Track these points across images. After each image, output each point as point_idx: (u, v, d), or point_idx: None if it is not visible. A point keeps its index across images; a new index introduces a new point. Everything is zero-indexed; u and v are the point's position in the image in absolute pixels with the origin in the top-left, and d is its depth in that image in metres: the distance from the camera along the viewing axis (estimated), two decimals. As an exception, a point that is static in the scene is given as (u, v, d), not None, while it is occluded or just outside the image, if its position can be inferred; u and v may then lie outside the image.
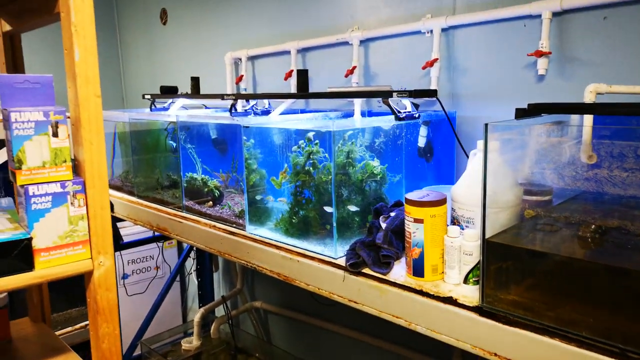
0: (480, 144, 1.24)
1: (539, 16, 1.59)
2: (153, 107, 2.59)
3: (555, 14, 1.58)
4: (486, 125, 1.00)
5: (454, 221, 1.26)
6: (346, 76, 2.18)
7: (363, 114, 1.88)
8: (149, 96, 2.59)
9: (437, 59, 1.86)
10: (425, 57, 1.90)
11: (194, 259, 3.14)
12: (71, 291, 3.31)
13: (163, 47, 3.48)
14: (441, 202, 1.17)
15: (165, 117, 2.06)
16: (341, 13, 2.26)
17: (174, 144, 2.04)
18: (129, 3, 3.74)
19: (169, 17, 3.35)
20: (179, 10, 3.26)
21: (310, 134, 1.49)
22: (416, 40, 1.98)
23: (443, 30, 1.87)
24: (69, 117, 1.01)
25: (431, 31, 1.90)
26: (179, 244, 3.50)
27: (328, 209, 1.44)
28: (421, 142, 1.71)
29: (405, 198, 1.20)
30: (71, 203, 0.95)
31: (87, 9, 0.94)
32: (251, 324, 3.04)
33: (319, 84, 2.37)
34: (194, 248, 3.05)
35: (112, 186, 2.44)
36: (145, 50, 3.68)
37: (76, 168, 1.00)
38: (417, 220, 1.17)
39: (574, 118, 1.39)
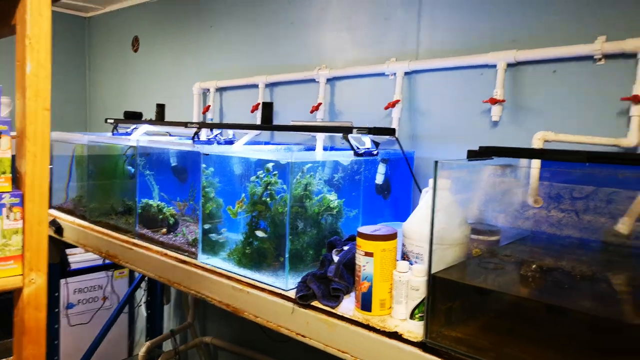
0: (431, 182, 1.26)
1: (495, 66, 1.68)
2: (115, 132, 2.55)
3: (509, 65, 1.66)
4: (436, 162, 1.03)
5: (404, 256, 1.26)
6: (312, 112, 2.22)
7: (326, 149, 1.91)
8: (111, 120, 2.56)
9: (398, 100, 1.91)
10: (388, 98, 1.96)
11: (145, 290, 3.03)
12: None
13: (133, 74, 3.47)
14: (392, 236, 1.18)
15: (124, 142, 2.03)
16: (310, 51, 2.32)
17: (132, 170, 2.01)
18: (101, 28, 3.74)
19: (141, 44, 3.36)
20: (151, 39, 3.28)
21: (269, 165, 1.49)
22: (380, 82, 2.04)
23: (406, 73, 1.94)
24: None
25: (395, 74, 1.96)
26: (131, 274, 3.38)
27: (260, 233, 1.44)
28: (379, 179, 1.73)
29: (357, 231, 1.20)
30: (6, 216, 0.91)
31: (44, 23, 0.93)
32: (201, 361, 2.93)
33: (286, 118, 2.40)
34: (146, 279, 2.95)
35: (64, 210, 2.36)
36: (114, 76, 3.66)
37: (17, 181, 0.96)
38: (367, 254, 1.17)
39: (523, 162, 1.45)
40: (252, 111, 2.46)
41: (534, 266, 1.06)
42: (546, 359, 0.93)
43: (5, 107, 2.51)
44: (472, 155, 1.26)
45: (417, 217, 1.25)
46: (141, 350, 2.63)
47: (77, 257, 3.12)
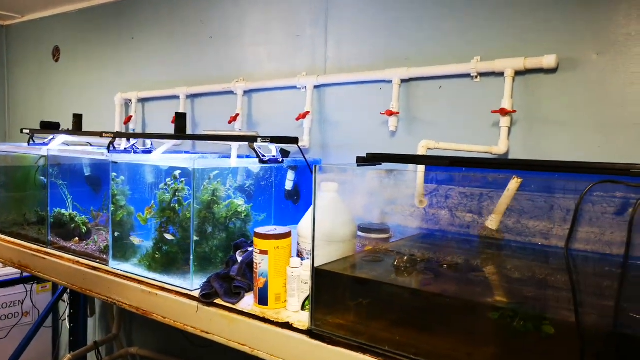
0: (324, 185, 1.39)
1: (391, 81, 1.84)
2: (31, 142, 2.52)
3: (403, 81, 1.83)
4: (315, 166, 1.15)
5: (299, 254, 1.38)
6: (230, 122, 2.31)
7: (241, 157, 2.00)
8: (27, 131, 2.52)
9: (308, 112, 2.04)
10: (301, 110, 2.08)
11: (67, 302, 2.97)
12: None
13: (54, 84, 3.41)
14: (285, 235, 1.29)
15: (36, 151, 2.02)
16: (229, 64, 2.41)
17: (45, 180, 2.01)
18: (20, 37, 3.65)
19: (62, 54, 3.32)
20: (73, 49, 3.25)
21: (177, 172, 1.56)
22: (293, 94, 2.17)
23: (315, 87, 2.08)
24: None
25: (305, 87, 2.10)
26: (54, 288, 3.29)
27: (168, 236, 1.51)
28: (288, 185, 1.85)
29: (254, 232, 1.31)
30: None
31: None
32: (126, 373, 2.90)
33: (207, 128, 2.47)
34: (68, 291, 2.90)
35: (-24, 222, 2.30)
36: (34, 86, 3.57)
37: None
38: (262, 252, 1.28)
39: (411, 167, 1.61)
40: (173, 121, 2.51)
41: (405, 258, 1.20)
42: (410, 338, 1.07)
43: None
44: (361, 161, 1.41)
45: (308, 218, 1.37)
46: (61, 364, 2.58)
47: (-7, 272, 3.01)
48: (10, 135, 3.78)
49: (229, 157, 2.05)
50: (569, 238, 0.88)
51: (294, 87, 2.15)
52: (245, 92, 2.32)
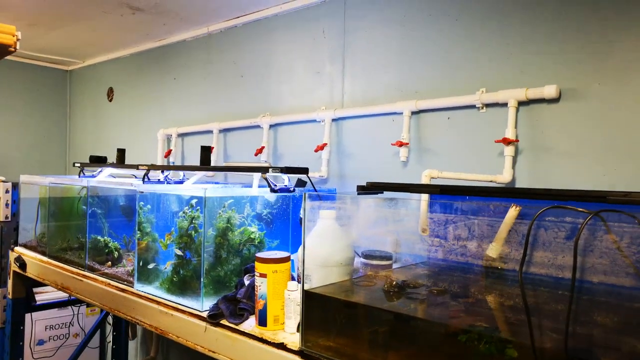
0: (322, 212, 1.47)
1: (402, 113, 1.91)
2: (82, 175, 2.77)
3: (413, 112, 1.90)
4: (305, 194, 1.23)
5: (298, 278, 1.45)
6: (256, 154, 2.44)
7: (263, 187, 2.12)
8: (78, 164, 2.78)
9: (326, 144, 2.14)
10: (320, 142, 2.18)
11: (110, 325, 3.16)
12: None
13: (107, 121, 3.73)
14: (283, 259, 1.37)
15: (78, 182, 2.24)
16: (256, 101, 2.57)
17: (85, 209, 2.21)
18: (81, 80, 4.03)
19: (115, 94, 3.64)
20: (124, 89, 3.56)
21: (193, 201, 1.69)
22: (314, 127, 2.28)
23: (333, 120, 2.18)
24: None
25: (324, 120, 2.20)
26: (101, 311, 3.50)
27: (178, 251, 1.62)
28: (302, 213, 1.93)
29: (255, 256, 1.39)
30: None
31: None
32: (162, 396, 3.02)
33: (236, 160, 2.62)
34: (110, 314, 3.09)
35: (29, 247, 2.55)
36: (91, 123, 3.92)
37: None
38: (262, 275, 1.36)
39: (414, 195, 1.65)
40: (207, 154, 2.68)
41: (394, 282, 1.24)
42: (391, 359, 1.11)
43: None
44: (361, 189, 1.48)
45: (308, 243, 1.44)
46: (100, 383, 2.74)
47: (47, 295, 3.27)
48: (70, 169, 4.13)
49: (248, 186, 2.17)
50: (522, 263, 0.90)
51: (314, 121, 2.26)
52: (271, 126, 2.46)
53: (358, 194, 1.48)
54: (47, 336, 3.36)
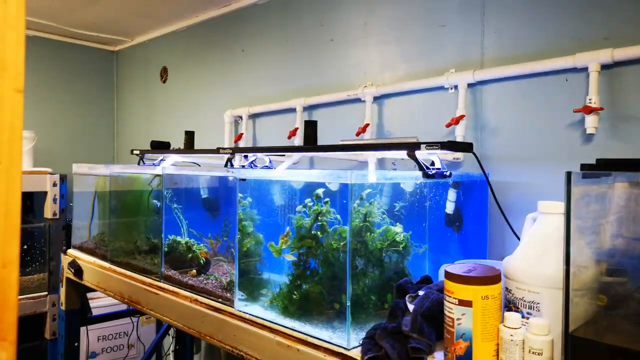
0: (541, 205, 0.97)
1: (586, 69, 1.40)
2: (141, 163, 2.35)
3: (604, 67, 1.38)
4: (568, 173, 0.75)
5: (510, 306, 0.96)
6: (357, 134, 1.96)
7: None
8: (137, 152, 2.36)
9: (463, 115, 1.64)
10: (447, 115, 1.69)
11: (173, 337, 2.75)
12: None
13: (161, 105, 3.31)
14: (495, 278, 0.88)
15: (150, 171, 1.80)
16: (352, 69, 2.09)
17: (158, 204, 1.77)
18: (130, 62, 3.63)
19: (170, 75, 3.22)
20: (180, 68, 3.13)
21: (319, 191, 1.22)
22: (437, 97, 1.78)
23: (470, 85, 1.68)
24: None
25: (456, 87, 1.70)
26: (158, 320, 3.11)
27: (288, 257, 1.17)
28: (449, 208, 1.44)
29: (446, 272, 0.92)
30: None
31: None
32: (234, 420, 2.60)
33: (327, 143, 2.15)
34: (175, 325, 2.68)
35: (85, 249, 2.14)
36: (142, 108, 3.51)
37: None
38: (463, 303, 0.88)
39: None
40: (290, 137, 2.22)
41: None
42: None
43: None
44: (587, 169, 0.98)
45: (528, 252, 0.95)
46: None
47: (100, 302, 2.89)
48: (118, 159, 3.75)
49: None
50: None
51: (439, 88, 1.77)
52: (375, 99, 1.97)
53: (584, 176, 0.98)
54: (100, 348, 2.98)
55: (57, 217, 2.71)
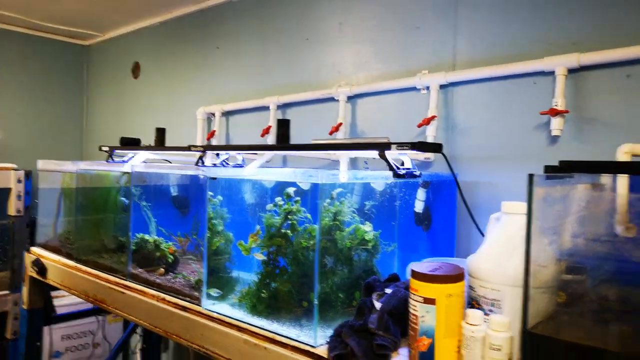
0: (505, 205, 0.99)
1: (552, 73, 1.43)
2: (110, 161, 2.30)
3: (571, 71, 1.41)
4: (530, 175, 0.76)
5: (472, 303, 0.97)
6: (331, 133, 1.97)
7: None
8: (106, 148, 2.31)
9: (435, 116, 1.66)
10: (419, 116, 1.71)
11: (140, 336, 2.70)
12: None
13: (133, 101, 3.25)
14: (459, 277, 0.89)
15: (118, 168, 1.76)
16: (327, 68, 2.09)
17: (127, 201, 1.73)
18: (101, 57, 3.56)
19: (142, 70, 3.16)
20: (153, 64, 3.08)
21: (290, 190, 1.22)
22: (410, 98, 1.80)
23: (442, 87, 1.70)
24: None
25: (428, 88, 1.72)
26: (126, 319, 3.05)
27: (258, 256, 1.17)
28: (419, 207, 1.46)
29: (412, 270, 0.92)
30: None
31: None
32: (203, 421, 2.57)
33: (301, 142, 2.14)
34: (143, 325, 2.63)
35: (50, 248, 2.08)
36: (113, 104, 3.44)
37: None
38: (427, 301, 0.89)
39: (605, 181, 1.17)
40: (263, 135, 2.21)
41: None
42: None
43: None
44: (550, 171, 1.00)
45: (491, 251, 0.97)
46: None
47: (65, 300, 2.82)
48: (86, 155, 3.67)
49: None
50: None
51: (411, 89, 1.78)
52: (349, 98, 1.98)
53: (547, 178, 1.00)
54: (64, 347, 2.91)
55: (22, 214, 2.64)
